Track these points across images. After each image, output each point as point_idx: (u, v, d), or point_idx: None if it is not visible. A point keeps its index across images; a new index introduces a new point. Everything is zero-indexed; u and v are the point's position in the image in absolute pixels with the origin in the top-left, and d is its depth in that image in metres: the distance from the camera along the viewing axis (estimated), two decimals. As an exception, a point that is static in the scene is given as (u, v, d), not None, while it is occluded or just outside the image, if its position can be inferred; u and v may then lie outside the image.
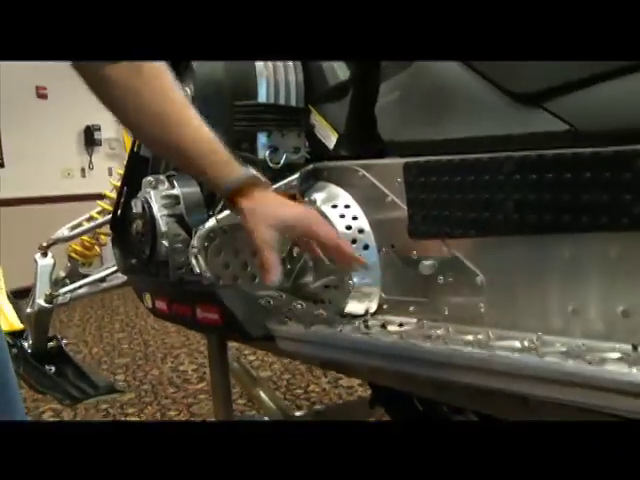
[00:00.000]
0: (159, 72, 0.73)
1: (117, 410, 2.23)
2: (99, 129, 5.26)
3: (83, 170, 5.37)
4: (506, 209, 0.71)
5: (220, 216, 0.91)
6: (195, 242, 0.88)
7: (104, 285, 1.38)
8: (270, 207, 0.78)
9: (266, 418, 1.38)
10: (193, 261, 0.85)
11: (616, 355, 0.59)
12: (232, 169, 0.77)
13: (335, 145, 0.96)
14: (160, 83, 0.73)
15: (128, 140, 1.39)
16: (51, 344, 1.39)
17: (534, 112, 0.68)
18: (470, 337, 0.72)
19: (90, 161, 5.37)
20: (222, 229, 0.92)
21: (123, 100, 0.72)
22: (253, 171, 0.79)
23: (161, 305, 0.95)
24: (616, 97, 0.62)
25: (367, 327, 0.81)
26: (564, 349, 0.62)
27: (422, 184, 0.80)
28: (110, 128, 5.10)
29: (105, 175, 4.66)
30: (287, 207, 0.80)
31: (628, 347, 0.61)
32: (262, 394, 1.45)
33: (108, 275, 1.34)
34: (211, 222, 0.91)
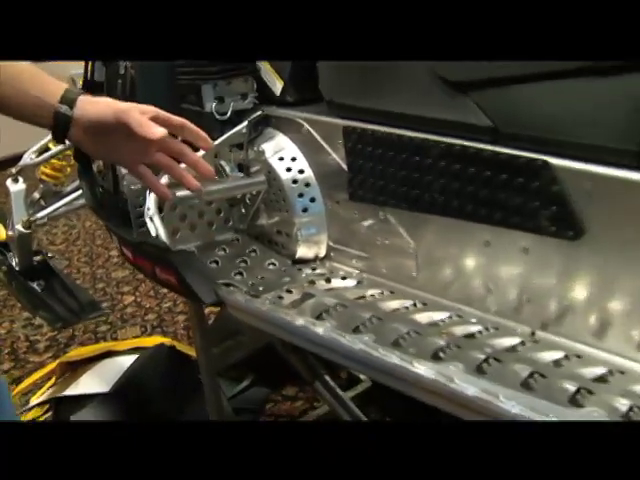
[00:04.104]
0: None
1: (113, 289, 2.39)
2: None
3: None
4: (432, 191, 0.74)
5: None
6: (149, 203, 0.92)
7: (80, 202, 1.43)
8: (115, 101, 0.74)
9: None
10: (148, 223, 0.90)
11: (516, 340, 0.67)
12: (59, 82, 0.71)
13: (281, 92, 0.96)
14: None
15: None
16: (37, 258, 1.47)
17: (463, 102, 0.69)
18: (396, 305, 0.79)
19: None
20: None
21: None
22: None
23: (127, 253, 1.01)
24: (537, 102, 0.63)
25: (312, 283, 0.88)
26: (471, 329, 0.70)
27: (360, 151, 0.82)
28: None
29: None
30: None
31: (528, 330, 0.69)
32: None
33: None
34: (165, 179, 0.94)
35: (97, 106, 0.71)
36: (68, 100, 0.70)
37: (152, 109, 0.73)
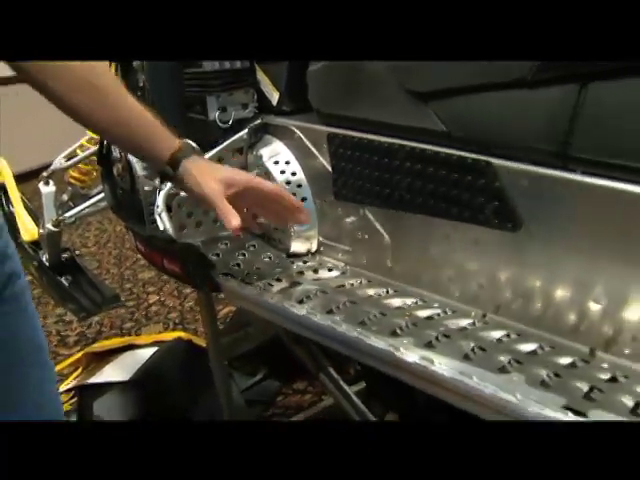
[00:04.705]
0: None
1: (139, 289, 2.53)
2: None
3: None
4: (400, 189, 0.83)
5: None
6: (159, 201, 1.03)
7: (104, 204, 1.56)
8: (213, 166, 0.85)
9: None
10: (157, 219, 1.01)
11: (468, 322, 0.75)
12: (173, 138, 0.82)
13: (277, 103, 1.06)
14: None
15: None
16: (65, 255, 1.60)
17: (424, 110, 0.78)
18: (371, 292, 0.88)
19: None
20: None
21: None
22: (188, 140, 0.84)
23: (140, 247, 1.12)
24: (480, 110, 0.71)
25: (301, 273, 0.98)
26: (431, 312, 0.78)
27: (341, 154, 0.92)
28: None
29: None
30: (225, 167, 0.89)
31: (481, 313, 0.77)
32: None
33: (106, 196, 1.50)
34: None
35: (193, 179, 0.80)
36: (174, 162, 0.80)
37: (243, 181, 0.82)
